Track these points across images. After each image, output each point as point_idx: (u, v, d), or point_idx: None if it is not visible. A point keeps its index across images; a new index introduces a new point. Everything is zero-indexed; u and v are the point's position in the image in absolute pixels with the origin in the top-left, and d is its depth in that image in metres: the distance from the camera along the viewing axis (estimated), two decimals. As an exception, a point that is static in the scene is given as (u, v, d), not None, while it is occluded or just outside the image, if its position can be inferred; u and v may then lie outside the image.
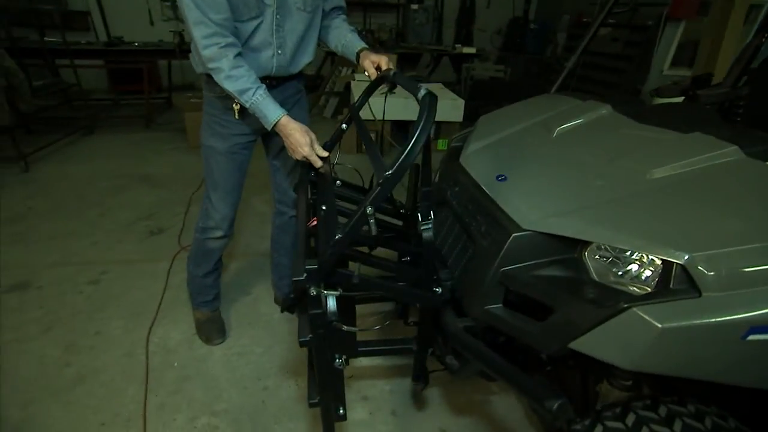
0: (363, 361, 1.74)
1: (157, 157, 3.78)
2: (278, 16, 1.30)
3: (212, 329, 1.80)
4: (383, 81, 1.34)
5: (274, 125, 1.27)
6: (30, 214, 2.74)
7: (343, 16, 1.54)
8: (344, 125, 1.43)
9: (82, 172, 3.40)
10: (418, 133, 0.84)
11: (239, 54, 1.24)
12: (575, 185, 1.05)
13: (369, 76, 1.37)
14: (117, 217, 2.76)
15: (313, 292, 0.85)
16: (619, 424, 0.88)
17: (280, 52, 1.36)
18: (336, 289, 0.89)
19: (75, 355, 1.71)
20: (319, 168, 1.32)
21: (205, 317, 1.82)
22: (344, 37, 1.48)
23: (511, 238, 0.97)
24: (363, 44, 1.45)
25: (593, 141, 1.24)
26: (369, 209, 0.86)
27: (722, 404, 0.92)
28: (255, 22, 1.28)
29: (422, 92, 0.91)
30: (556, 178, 1.11)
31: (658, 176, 1.01)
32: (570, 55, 2.97)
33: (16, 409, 1.48)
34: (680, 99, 1.60)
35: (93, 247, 2.43)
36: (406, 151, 0.84)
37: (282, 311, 0.88)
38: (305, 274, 0.83)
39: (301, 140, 1.27)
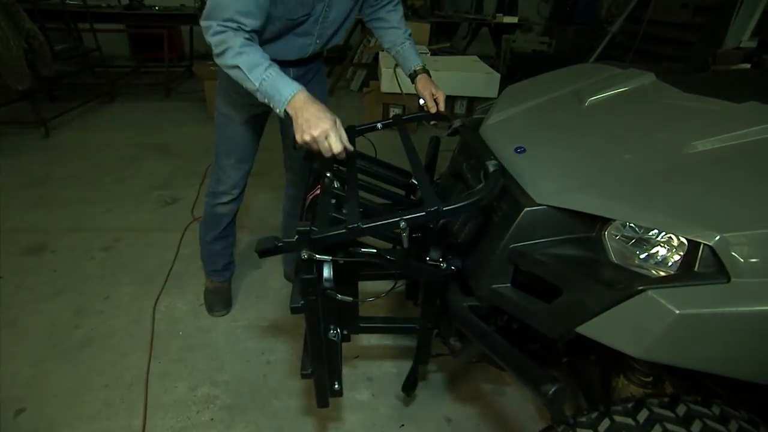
0: (371, 341, 1.78)
1: (175, 127, 3.92)
2: (326, 9, 1.30)
3: (215, 299, 1.87)
4: (442, 120, 1.41)
5: (291, 99, 1.06)
6: (48, 179, 2.92)
7: (399, 8, 1.52)
8: (380, 125, 1.47)
9: (100, 139, 3.57)
10: (479, 197, 0.92)
11: (250, 35, 1.13)
12: (600, 159, 1.01)
13: (426, 107, 1.45)
14: (132, 185, 2.89)
15: (304, 255, 0.87)
16: (628, 420, 0.86)
17: (318, 41, 1.39)
18: (329, 255, 0.90)
19: (84, 318, 1.83)
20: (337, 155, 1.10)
21: (212, 286, 1.90)
22: (401, 45, 1.50)
23: (523, 212, 0.95)
24: (420, 62, 1.49)
25: (629, 112, 1.18)
26: (403, 224, 0.89)
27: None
28: (304, 18, 1.28)
29: (492, 167, 0.99)
30: (580, 151, 1.07)
31: (697, 150, 0.95)
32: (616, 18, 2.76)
33: (28, 365, 1.61)
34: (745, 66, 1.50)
35: (107, 215, 2.56)
36: (463, 204, 0.92)
37: (256, 250, 0.90)
38: (296, 236, 0.85)
39: (323, 114, 1.05)
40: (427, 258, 1.07)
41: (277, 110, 1.11)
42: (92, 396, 1.51)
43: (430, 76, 1.47)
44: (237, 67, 1.09)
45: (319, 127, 1.03)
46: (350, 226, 0.89)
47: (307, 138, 1.05)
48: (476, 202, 0.92)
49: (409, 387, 1.40)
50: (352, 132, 1.39)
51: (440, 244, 1.10)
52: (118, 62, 5.56)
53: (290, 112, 1.08)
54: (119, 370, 1.61)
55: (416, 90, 1.47)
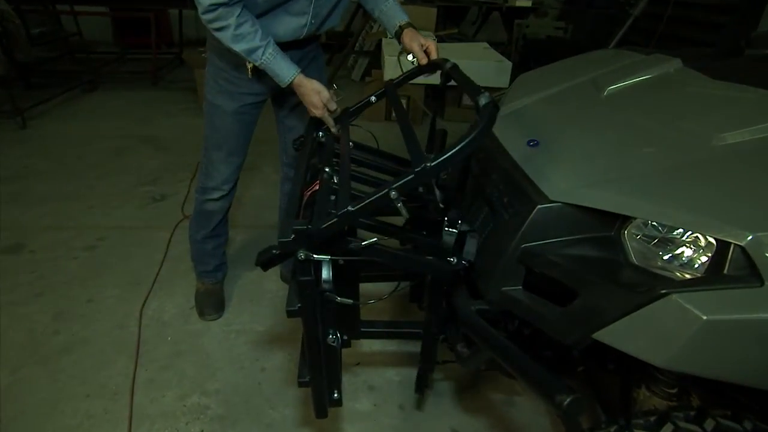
0: (372, 347, 1.78)
1: (163, 118, 3.93)
2: None
3: (207, 302, 1.88)
4: (434, 69, 1.37)
5: (290, 84, 1.32)
6: (26, 173, 2.93)
7: None
8: (373, 98, 1.47)
9: (82, 131, 3.58)
10: (470, 138, 0.87)
11: (243, 8, 1.24)
12: (620, 152, 1.01)
13: (417, 61, 1.40)
14: (117, 181, 2.90)
15: (301, 256, 0.87)
16: (651, 434, 0.86)
17: (313, 21, 1.40)
18: (327, 254, 0.90)
19: (65, 323, 1.83)
20: (332, 129, 1.36)
21: (204, 288, 1.90)
22: (384, 2, 1.49)
23: (535, 209, 0.95)
24: (405, 17, 1.46)
25: (652, 101, 1.18)
26: (393, 193, 0.88)
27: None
28: None
29: (484, 100, 0.93)
30: (598, 144, 1.06)
31: (727, 143, 0.95)
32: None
33: (4, 373, 1.61)
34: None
35: (90, 212, 2.57)
36: (453, 150, 0.87)
37: (256, 264, 0.90)
38: (292, 235, 0.85)
39: (315, 101, 1.32)
40: (446, 219, 1.05)
41: (281, 85, 1.34)
42: (73, 406, 1.51)
43: (416, 30, 1.43)
44: (235, 50, 1.26)
45: (311, 114, 1.35)
46: (340, 212, 0.88)
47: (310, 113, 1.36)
48: (470, 142, 0.88)
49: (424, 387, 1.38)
50: (346, 115, 1.40)
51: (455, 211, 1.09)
52: (101, 48, 5.56)
53: (294, 90, 1.33)
54: (102, 379, 1.61)
55: (403, 46, 1.43)
